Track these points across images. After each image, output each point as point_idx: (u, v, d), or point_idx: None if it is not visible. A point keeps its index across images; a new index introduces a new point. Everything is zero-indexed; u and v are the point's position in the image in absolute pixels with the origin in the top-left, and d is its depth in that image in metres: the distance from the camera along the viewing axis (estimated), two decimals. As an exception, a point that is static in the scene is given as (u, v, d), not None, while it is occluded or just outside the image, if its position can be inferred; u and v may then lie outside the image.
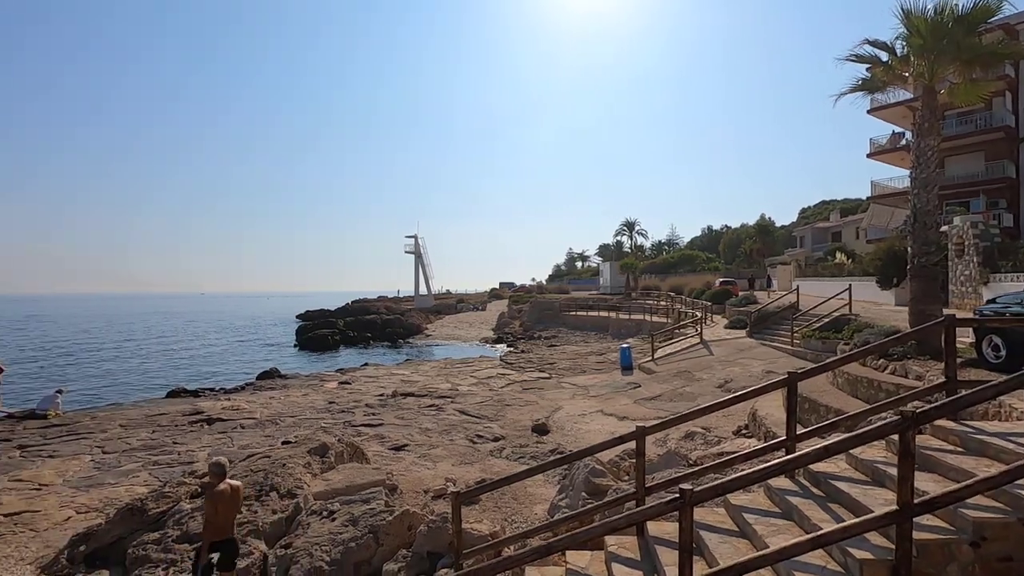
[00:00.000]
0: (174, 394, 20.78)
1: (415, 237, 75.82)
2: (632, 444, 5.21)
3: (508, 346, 35.24)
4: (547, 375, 20.25)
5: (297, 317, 64.34)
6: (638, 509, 4.40)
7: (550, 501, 7.41)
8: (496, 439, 11.55)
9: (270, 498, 7.23)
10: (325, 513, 6.72)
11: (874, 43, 9.90)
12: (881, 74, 10.14)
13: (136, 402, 19.85)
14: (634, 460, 7.67)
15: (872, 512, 3.25)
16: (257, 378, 24.42)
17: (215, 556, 5.11)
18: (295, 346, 43.46)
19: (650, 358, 19.78)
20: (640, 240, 73.11)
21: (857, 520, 3.20)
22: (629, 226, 69.89)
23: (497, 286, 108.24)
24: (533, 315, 46.17)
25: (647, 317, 31.48)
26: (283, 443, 10.21)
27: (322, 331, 45.35)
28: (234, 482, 5.49)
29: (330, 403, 16.42)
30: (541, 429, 12.00)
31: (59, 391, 17.62)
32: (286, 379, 23.74)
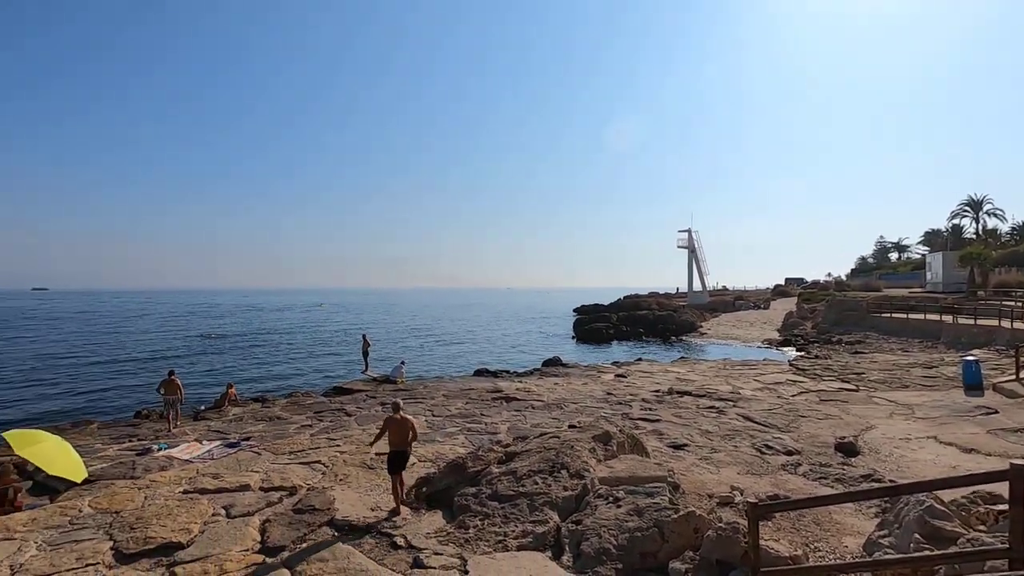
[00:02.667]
0: (479, 373, 24.60)
1: (688, 231, 73.11)
2: (1000, 485, 4.04)
3: (798, 350, 31.22)
4: (853, 387, 17.21)
5: (574, 311, 69.13)
6: (1016, 572, 3.39)
7: (865, 535, 6.29)
8: (789, 452, 10.33)
9: (561, 475, 7.91)
10: (611, 499, 7.03)
11: None
12: None
13: (452, 377, 24.14)
14: (992, 506, 6.01)
15: None
16: (543, 364, 27.13)
17: (392, 458, 7.85)
18: (573, 338, 46.67)
19: (1012, 377, 15.08)
20: (992, 223, 56.52)
21: None
22: (973, 205, 54.86)
23: (782, 282, 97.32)
24: (831, 315, 39.85)
25: (1004, 323, 23.96)
26: (569, 426, 11.07)
27: (597, 325, 47.70)
28: (406, 416, 8.04)
29: (608, 394, 17.08)
30: (848, 449, 10.26)
31: (402, 362, 22.59)
32: (567, 367, 25.70)
